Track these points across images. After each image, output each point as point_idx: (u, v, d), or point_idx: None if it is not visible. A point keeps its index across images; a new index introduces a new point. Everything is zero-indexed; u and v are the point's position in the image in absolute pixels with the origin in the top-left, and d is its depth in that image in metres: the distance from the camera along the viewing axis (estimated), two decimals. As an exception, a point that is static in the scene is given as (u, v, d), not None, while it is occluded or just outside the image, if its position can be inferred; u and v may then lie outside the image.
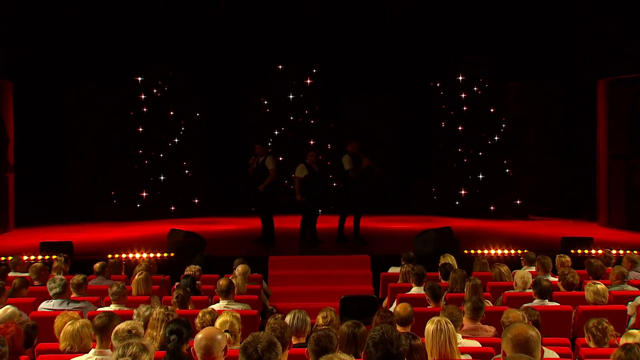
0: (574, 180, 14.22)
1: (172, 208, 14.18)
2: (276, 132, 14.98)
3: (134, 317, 4.42)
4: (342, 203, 10.00)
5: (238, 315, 4.17)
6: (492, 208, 13.81)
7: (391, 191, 15.34)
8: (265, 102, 15.06)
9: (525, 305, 5.11)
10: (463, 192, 14.14)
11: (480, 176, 13.95)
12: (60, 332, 4.13)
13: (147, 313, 4.43)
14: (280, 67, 15.00)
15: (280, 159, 14.17)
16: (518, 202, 13.84)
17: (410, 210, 14.48)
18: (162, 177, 14.19)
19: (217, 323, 4.08)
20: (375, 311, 4.66)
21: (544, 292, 5.38)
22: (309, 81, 15.09)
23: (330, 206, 13.81)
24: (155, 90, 14.22)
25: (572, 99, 14.41)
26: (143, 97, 14.16)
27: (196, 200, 14.57)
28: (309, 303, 7.39)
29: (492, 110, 14.05)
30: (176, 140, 14.38)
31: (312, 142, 14.66)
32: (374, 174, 10.49)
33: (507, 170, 13.89)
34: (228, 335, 3.91)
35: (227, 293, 5.44)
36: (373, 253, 8.91)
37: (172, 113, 14.34)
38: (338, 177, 9.96)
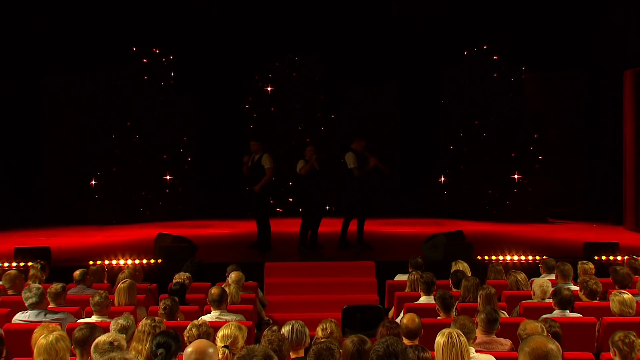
0: (598, 180, 14.21)
1: (160, 210, 14.18)
2: (273, 128, 14.97)
3: (111, 329, 4.41)
4: (345, 205, 9.99)
5: (244, 328, 4.15)
6: (507, 210, 13.80)
7: (397, 192, 15.35)
8: (262, 95, 15.06)
9: (545, 316, 5.11)
10: (476, 192, 14.13)
11: (495, 175, 13.94)
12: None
13: (125, 323, 4.41)
14: (278, 57, 15.00)
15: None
16: (536, 203, 13.84)
17: (419, 213, 14.48)
18: (148, 177, 14.18)
19: (219, 336, 4.06)
20: (381, 322, 4.66)
21: (565, 302, 5.38)
22: (309, 72, 15.08)
23: (332, 208, 13.83)
24: (141, 82, 14.22)
25: (595, 91, 14.38)
26: (127, 89, 14.15)
27: (186, 202, 14.57)
28: (309, 313, 7.40)
29: (508, 103, 14.05)
30: (164, 136, 14.37)
31: (312, 138, 14.66)
32: (381, 174, 10.48)
33: (525, 169, 13.88)
34: (227, 351, 3.90)
35: (220, 303, 5.43)
36: (378, 259, 8.90)
37: (159, 106, 14.33)
38: (340, 175, 9.92)
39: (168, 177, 14.39)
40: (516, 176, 13.87)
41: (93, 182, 13.91)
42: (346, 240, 9.84)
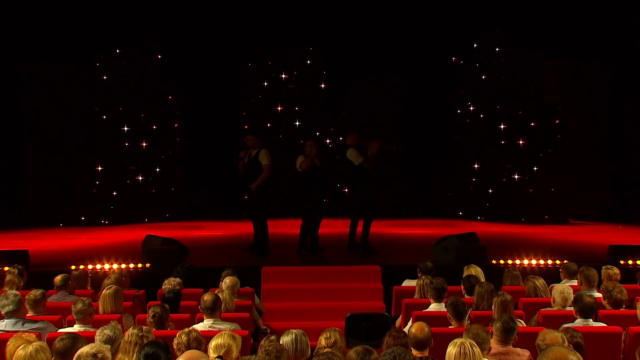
0: (624, 178, 14.20)
1: (148, 210, 14.18)
2: (271, 121, 14.98)
3: (96, 340, 4.41)
4: (353, 203, 9.97)
5: (238, 337, 4.15)
6: (525, 210, 13.79)
7: (405, 190, 15.35)
8: (259, 86, 15.05)
9: (566, 325, 5.10)
10: (491, 191, 14.13)
11: (512, 173, 13.93)
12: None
13: (111, 334, 4.41)
14: (276, 44, 14.98)
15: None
16: (556, 203, 13.83)
17: (428, 213, 14.50)
18: (135, 174, 14.18)
19: (211, 346, 4.07)
20: (387, 331, 4.66)
21: (587, 310, 5.36)
22: (309, 61, 15.08)
23: (339, 209, 13.85)
24: (126, 71, 14.20)
25: (621, 81, 14.36)
26: (112, 79, 14.13)
27: (176, 201, 14.57)
28: (309, 322, 7.41)
29: (525, 94, 14.03)
30: (152, 129, 14.36)
31: (313, 132, 14.68)
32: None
33: (544, 166, 13.87)
34: None
35: (213, 310, 5.43)
36: (384, 263, 8.90)
37: (147, 98, 14.33)
38: (346, 174, 9.88)
39: (157, 174, 14.37)
40: (535, 174, 13.85)
41: (75, 180, 13.90)
42: (356, 242, 9.85)
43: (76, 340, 4.02)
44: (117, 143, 14.13)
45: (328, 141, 14.95)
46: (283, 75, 15.09)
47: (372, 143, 9.41)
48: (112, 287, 5.95)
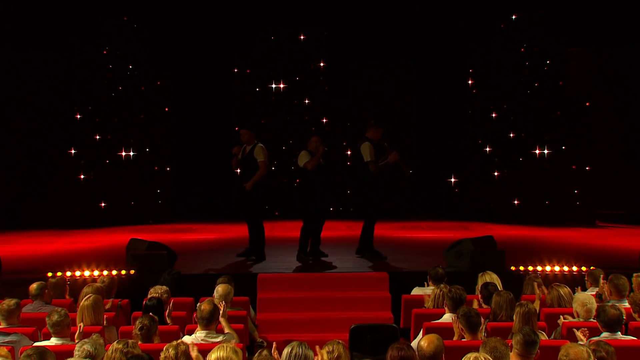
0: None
1: (132, 211, 14.18)
2: (268, 114, 14.97)
3: (76, 356, 4.39)
4: (361, 205, 9.96)
5: (240, 352, 4.13)
6: (547, 212, 13.77)
7: (416, 189, 15.34)
8: (254, 75, 15.04)
9: (595, 339, 5.08)
10: (509, 190, 14.11)
11: (532, 170, 13.91)
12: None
13: (92, 350, 4.39)
14: (273, 29, 14.97)
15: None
16: (582, 204, 13.81)
17: (440, 215, 14.50)
18: (118, 172, 14.17)
19: (211, 359, 4.06)
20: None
21: (613, 323, 5.33)
22: (310, 48, 15.05)
23: (332, 208, 13.86)
24: (109, 59, 14.19)
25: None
26: (93, 67, 14.11)
27: (163, 201, 14.57)
28: (310, 334, 7.41)
29: (547, 84, 14.02)
30: (137, 123, 14.35)
31: (315, 126, 14.69)
32: (399, 172, 10.43)
33: (568, 163, 13.85)
34: None
35: (210, 321, 5.40)
36: (392, 270, 8.91)
37: (131, 88, 14.32)
38: (353, 170, 9.86)
39: (142, 172, 14.35)
40: (558, 171, 13.82)
41: (52, 178, 13.88)
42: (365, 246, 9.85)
43: (44, 356, 3.98)
44: (99, 138, 14.10)
45: (329, 137, 14.94)
46: (280, 64, 15.05)
47: (392, 153, 9.41)
48: (91, 297, 5.92)
